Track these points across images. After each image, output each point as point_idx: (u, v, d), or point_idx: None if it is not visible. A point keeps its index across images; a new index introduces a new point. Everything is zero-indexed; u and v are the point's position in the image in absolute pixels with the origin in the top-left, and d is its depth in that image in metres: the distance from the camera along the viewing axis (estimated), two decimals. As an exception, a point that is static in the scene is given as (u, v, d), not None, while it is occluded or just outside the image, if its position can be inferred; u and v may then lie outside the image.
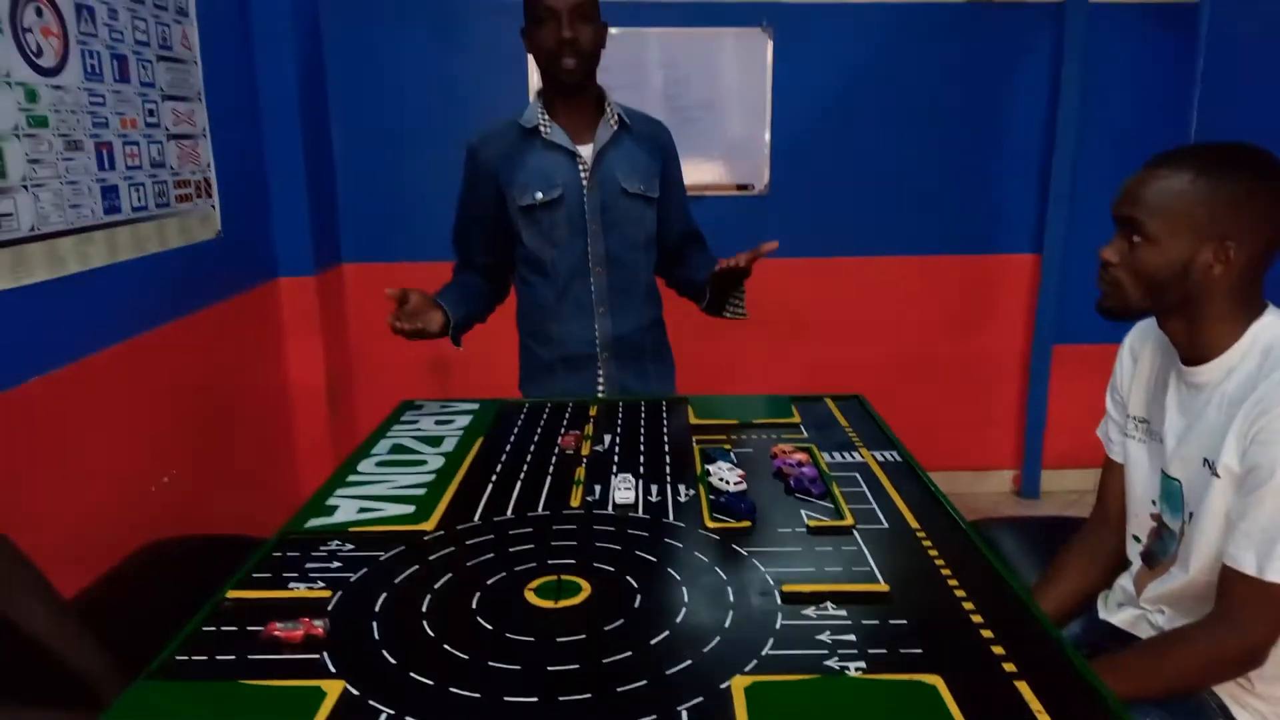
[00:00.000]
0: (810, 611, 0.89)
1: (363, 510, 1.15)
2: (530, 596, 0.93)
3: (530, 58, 1.70)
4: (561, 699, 0.76)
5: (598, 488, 1.21)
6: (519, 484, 1.24)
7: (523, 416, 1.53)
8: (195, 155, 2.21)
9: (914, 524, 1.09)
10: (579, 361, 1.74)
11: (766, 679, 0.77)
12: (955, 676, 0.77)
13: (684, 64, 2.93)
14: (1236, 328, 1.08)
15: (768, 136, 2.99)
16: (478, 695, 0.77)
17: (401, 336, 1.51)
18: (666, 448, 1.37)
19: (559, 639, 0.85)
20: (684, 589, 0.94)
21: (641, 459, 1.32)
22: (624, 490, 1.18)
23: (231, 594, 0.94)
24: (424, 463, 1.32)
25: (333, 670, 0.81)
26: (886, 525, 1.09)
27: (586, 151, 1.66)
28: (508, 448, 1.38)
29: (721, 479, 1.18)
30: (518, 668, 0.80)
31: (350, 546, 1.05)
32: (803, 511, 1.12)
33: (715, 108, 2.97)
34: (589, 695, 0.76)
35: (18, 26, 1.57)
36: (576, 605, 0.91)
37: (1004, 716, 0.73)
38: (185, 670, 0.81)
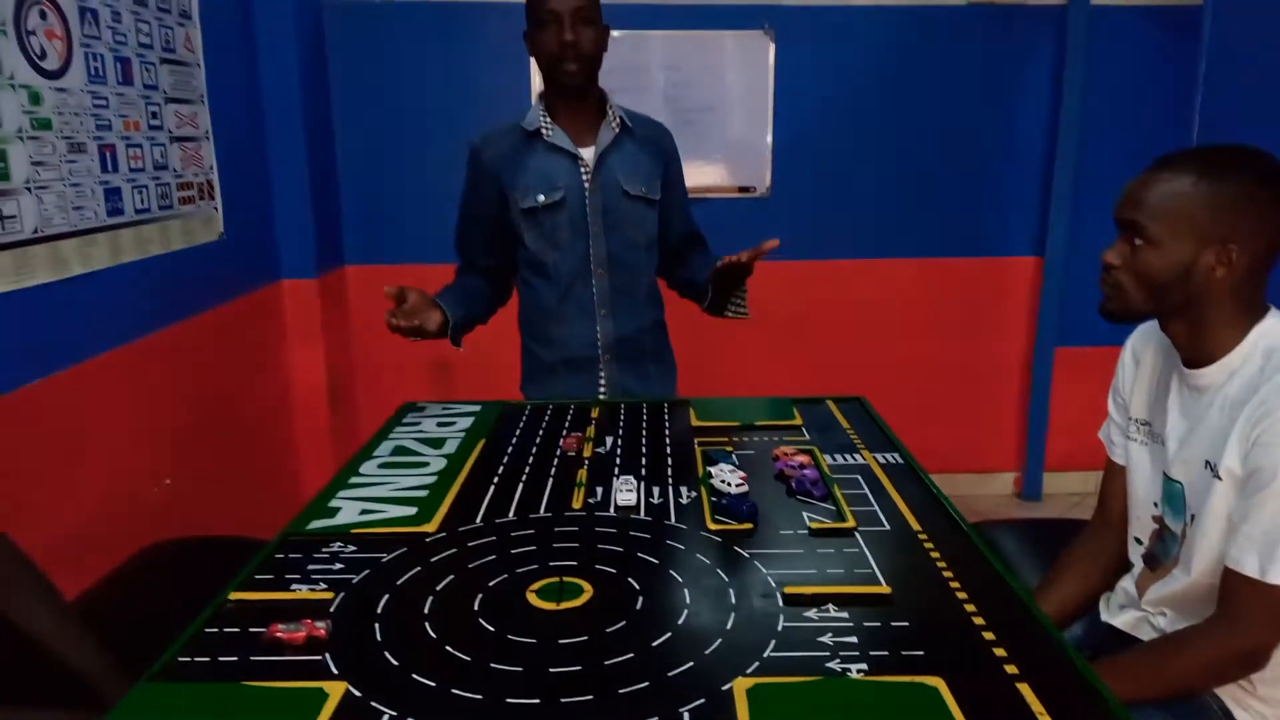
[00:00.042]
0: (812, 613, 0.89)
1: (365, 512, 1.15)
2: (532, 598, 0.93)
3: (532, 60, 1.71)
4: (563, 700, 0.76)
5: (599, 490, 1.21)
6: (521, 486, 1.24)
7: (524, 418, 1.53)
8: (198, 157, 2.22)
9: (916, 526, 1.09)
10: (580, 363, 1.74)
11: (768, 681, 0.77)
12: (957, 678, 0.77)
13: (686, 67, 2.93)
14: (1238, 330, 1.08)
15: (770, 139, 2.99)
16: (480, 697, 0.77)
17: (399, 335, 1.51)
18: (668, 450, 1.37)
19: (561, 641, 0.85)
20: (686, 591, 0.94)
21: (643, 461, 1.32)
22: (626, 492, 1.18)
23: (234, 595, 0.94)
24: (426, 464, 1.32)
25: (335, 672, 0.81)
26: (888, 527, 1.09)
27: (588, 154, 1.66)
28: (510, 450, 1.38)
29: (723, 481, 1.18)
30: (520, 669, 0.80)
31: (352, 548, 1.05)
32: (804, 513, 1.12)
33: (717, 110, 2.97)
34: (591, 697, 0.76)
35: (22, 29, 1.57)
36: (578, 607, 0.91)
37: (1006, 718, 0.73)
38: (187, 671, 0.82)
